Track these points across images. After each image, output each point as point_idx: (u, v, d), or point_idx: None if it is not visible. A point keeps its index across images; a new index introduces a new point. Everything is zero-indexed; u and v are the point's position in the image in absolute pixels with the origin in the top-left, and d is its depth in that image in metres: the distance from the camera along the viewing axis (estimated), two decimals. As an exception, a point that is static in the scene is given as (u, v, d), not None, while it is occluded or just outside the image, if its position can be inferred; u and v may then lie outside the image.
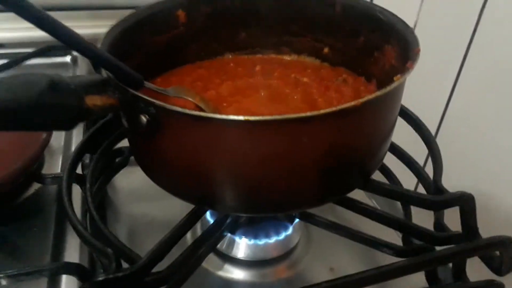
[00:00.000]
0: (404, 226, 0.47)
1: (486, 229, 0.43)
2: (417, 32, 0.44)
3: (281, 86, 0.52)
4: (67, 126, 0.32)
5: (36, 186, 0.59)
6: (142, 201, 0.61)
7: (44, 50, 0.81)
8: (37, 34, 0.95)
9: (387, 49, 0.47)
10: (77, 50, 0.31)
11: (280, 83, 0.53)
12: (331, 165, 0.36)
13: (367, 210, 0.47)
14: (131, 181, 0.63)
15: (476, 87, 0.59)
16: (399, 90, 0.38)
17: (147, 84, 0.37)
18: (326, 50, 0.56)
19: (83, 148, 0.54)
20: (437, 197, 0.43)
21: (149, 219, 0.58)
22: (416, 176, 0.51)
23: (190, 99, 0.40)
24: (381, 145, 0.41)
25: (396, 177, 0.58)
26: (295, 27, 0.56)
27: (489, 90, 0.57)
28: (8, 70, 0.77)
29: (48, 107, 0.30)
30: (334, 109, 0.31)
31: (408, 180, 0.56)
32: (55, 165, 0.62)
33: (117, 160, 0.58)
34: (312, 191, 0.38)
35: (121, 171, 0.58)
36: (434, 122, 0.66)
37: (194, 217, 0.41)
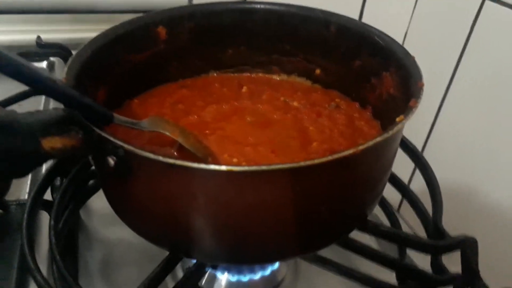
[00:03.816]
0: (400, 267, 0.44)
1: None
2: (405, 46, 0.41)
3: (270, 111, 0.48)
4: (20, 174, 0.28)
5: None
6: (117, 225, 0.56)
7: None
8: (14, 38, 0.88)
9: (385, 76, 0.43)
10: (31, 86, 0.26)
11: (269, 107, 0.49)
12: (325, 213, 0.32)
13: (361, 249, 0.43)
14: (105, 202, 0.58)
15: (465, 102, 0.57)
16: (400, 129, 0.34)
17: (118, 118, 0.33)
18: (318, 71, 0.52)
19: (54, 172, 0.49)
20: (438, 241, 0.40)
21: (125, 245, 0.54)
22: (418, 215, 0.47)
23: (167, 133, 0.36)
24: (380, 184, 0.38)
25: (390, 205, 0.55)
26: (286, 46, 0.52)
27: (478, 105, 0.55)
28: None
29: (-5, 154, 0.25)
30: (330, 158, 0.28)
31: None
32: (22, 188, 0.57)
33: (90, 183, 0.54)
34: (303, 240, 0.34)
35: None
36: (422, 137, 0.63)
37: (170, 264, 0.36)
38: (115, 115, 0.33)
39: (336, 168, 0.29)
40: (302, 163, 0.27)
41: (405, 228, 0.57)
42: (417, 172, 0.51)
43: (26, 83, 0.26)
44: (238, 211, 0.30)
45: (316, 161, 0.27)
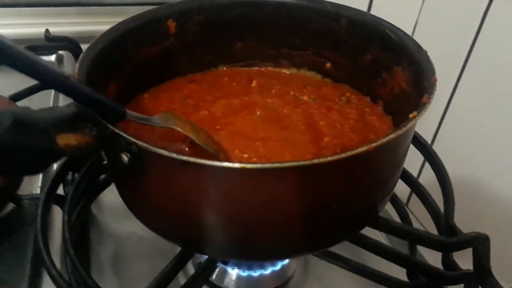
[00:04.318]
0: (411, 263, 0.44)
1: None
2: (415, 38, 0.40)
3: (280, 105, 0.48)
4: (34, 171, 0.28)
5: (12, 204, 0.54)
6: (129, 219, 0.57)
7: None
8: (23, 31, 0.88)
9: (396, 70, 0.43)
10: (44, 82, 0.26)
11: (278, 102, 0.48)
12: (337, 210, 0.32)
13: (372, 245, 0.43)
14: (117, 196, 0.59)
15: (475, 95, 0.56)
16: (413, 126, 0.34)
17: (130, 114, 0.33)
18: (328, 65, 0.51)
19: (66, 167, 0.50)
20: (449, 238, 0.39)
21: (136, 239, 0.54)
22: (428, 210, 0.47)
23: (179, 129, 0.36)
24: (392, 180, 0.37)
25: (400, 200, 0.55)
26: (296, 40, 0.51)
27: (489, 98, 0.54)
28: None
29: (12, 152, 0.25)
30: (343, 155, 0.27)
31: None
32: (34, 182, 0.58)
33: (101, 177, 0.54)
34: (314, 237, 0.34)
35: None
36: (431, 130, 0.63)
37: (182, 260, 0.37)
38: (128, 111, 0.33)
39: (349, 165, 0.29)
40: (315, 161, 0.27)
41: (415, 222, 0.57)
42: (427, 165, 0.50)
43: (39, 79, 0.26)
44: (250, 208, 0.30)
45: (329, 158, 0.27)
